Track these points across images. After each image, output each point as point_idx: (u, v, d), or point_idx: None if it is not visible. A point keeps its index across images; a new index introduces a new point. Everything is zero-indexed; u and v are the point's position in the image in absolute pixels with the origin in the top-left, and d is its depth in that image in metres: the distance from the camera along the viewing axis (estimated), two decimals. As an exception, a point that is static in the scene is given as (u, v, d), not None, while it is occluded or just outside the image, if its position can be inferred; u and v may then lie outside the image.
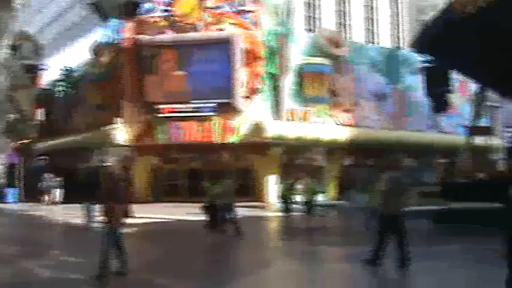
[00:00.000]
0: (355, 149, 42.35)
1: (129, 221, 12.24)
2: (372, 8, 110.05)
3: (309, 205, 22.60)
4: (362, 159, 43.64)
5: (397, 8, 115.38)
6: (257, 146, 38.55)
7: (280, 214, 25.64)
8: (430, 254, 14.81)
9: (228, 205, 19.16)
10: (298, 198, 23.89)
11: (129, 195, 12.25)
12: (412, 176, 45.63)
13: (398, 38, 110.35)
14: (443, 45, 24.60)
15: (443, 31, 24.37)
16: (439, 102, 26.38)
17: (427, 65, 26.59)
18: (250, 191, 38.13)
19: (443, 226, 20.22)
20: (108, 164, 36.05)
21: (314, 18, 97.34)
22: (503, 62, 25.50)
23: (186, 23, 39.89)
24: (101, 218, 12.03)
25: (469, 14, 23.37)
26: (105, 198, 12.00)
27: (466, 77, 30.83)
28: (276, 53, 39.90)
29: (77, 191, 26.59)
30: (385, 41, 54.82)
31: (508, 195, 8.43)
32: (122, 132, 39.37)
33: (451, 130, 49.47)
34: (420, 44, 26.21)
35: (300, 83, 41.12)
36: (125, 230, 12.32)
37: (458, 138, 47.49)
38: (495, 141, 36.19)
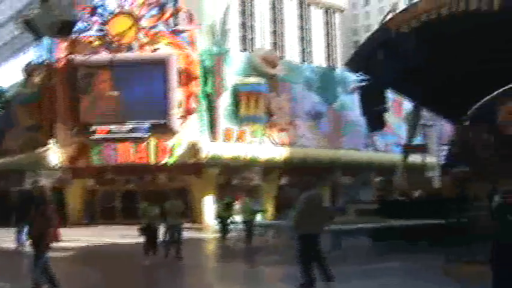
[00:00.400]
0: (292, 168, 42.35)
1: (60, 244, 11.88)
2: (306, 29, 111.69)
3: (248, 225, 22.48)
4: (298, 178, 43.72)
5: (331, 28, 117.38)
6: (193, 166, 38.25)
7: (217, 235, 25.40)
8: (367, 272, 14.76)
9: (174, 226, 18.90)
10: (237, 218, 23.77)
11: (58, 218, 11.87)
12: (349, 194, 46.23)
13: (332, 57, 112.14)
14: (378, 64, 24.90)
15: (378, 50, 24.72)
16: (375, 121, 26.69)
17: (362, 84, 26.83)
18: (187, 212, 37.77)
19: (382, 244, 20.29)
20: (41, 186, 35.18)
21: (249, 38, 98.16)
22: (436, 80, 25.98)
23: (121, 43, 39.47)
24: (29, 241, 11.70)
25: (403, 33, 23.78)
26: (33, 221, 11.69)
27: (400, 96, 31.21)
28: (211, 73, 39.77)
29: (9, 214, 25.97)
30: (319, 60, 55.21)
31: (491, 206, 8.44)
32: (55, 154, 38.53)
33: (386, 148, 50.13)
34: (355, 63, 26.57)
35: (236, 103, 41.00)
36: (56, 254, 11.93)
37: (394, 156, 48.28)
38: (430, 159, 36.73)
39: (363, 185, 46.03)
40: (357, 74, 27.54)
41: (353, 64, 26.98)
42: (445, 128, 44.45)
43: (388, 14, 25.64)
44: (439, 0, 23.36)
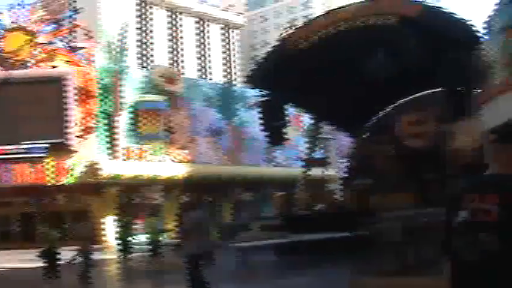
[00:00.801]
0: (193, 185, 42.03)
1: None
2: (205, 45, 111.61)
3: (154, 245, 22.02)
4: (201, 195, 43.41)
5: (229, 45, 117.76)
6: (93, 186, 37.32)
7: (120, 256, 24.75)
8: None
9: (83, 250, 18.25)
10: (142, 238, 23.28)
11: None
12: (251, 209, 46.26)
13: (230, 74, 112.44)
14: (278, 79, 25.02)
15: (277, 66, 24.85)
16: (275, 136, 26.73)
17: (262, 99, 26.85)
18: (88, 233, 36.88)
19: (287, 258, 20.24)
20: None
21: (147, 55, 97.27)
22: (335, 95, 26.30)
23: (16, 60, 38.29)
24: None
25: (302, 49, 24.00)
26: None
27: (300, 111, 31.48)
28: (110, 91, 39.10)
29: None
30: (218, 77, 55.14)
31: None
32: None
33: (287, 163, 50.45)
34: (255, 79, 26.60)
35: (135, 121, 40.48)
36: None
37: (295, 170, 48.68)
38: (330, 172, 37.13)
39: (265, 200, 46.25)
40: (257, 90, 27.53)
41: (252, 80, 27.04)
42: (345, 141, 45.28)
43: (287, 29, 25.76)
44: (337, 15, 23.79)
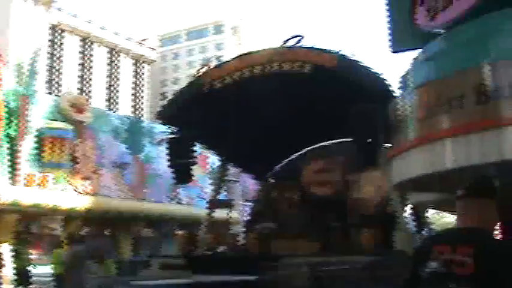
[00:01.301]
0: (94, 218, 41.12)
1: None
2: (114, 76, 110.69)
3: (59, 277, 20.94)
4: (101, 228, 42.57)
5: (139, 78, 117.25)
6: (-11, 212, 35.93)
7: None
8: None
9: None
10: (49, 269, 22.20)
11: None
12: (152, 247, 45.56)
13: (138, 107, 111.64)
14: (188, 117, 24.90)
15: (189, 104, 24.75)
16: (182, 173, 26.45)
17: (171, 136, 26.64)
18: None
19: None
20: None
21: (57, 82, 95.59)
22: (243, 138, 26.38)
23: None
24: None
25: (215, 89, 23.99)
26: None
27: (208, 150, 31.40)
28: (16, 115, 37.98)
29: None
30: (125, 110, 54.61)
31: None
32: None
33: (189, 202, 50.25)
34: (165, 114, 26.38)
35: (40, 147, 39.37)
36: None
37: (198, 210, 48.45)
38: (234, 215, 37.06)
39: (166, 237, 45.69)
40: (166, 126, 27.29)
41: (162, 115, 26.76)
42: (248, 184, 45.45)
43: (201, 67, 25.71)
44: (252, 58, 23.92)
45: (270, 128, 26.12)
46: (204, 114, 24.62)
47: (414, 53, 16.89)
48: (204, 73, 25.09)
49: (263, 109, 24.77)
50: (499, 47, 12.39)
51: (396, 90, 19.80)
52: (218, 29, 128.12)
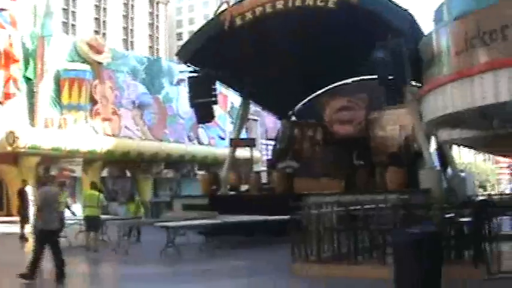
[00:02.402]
0: (115, 159, 41.00)
1: None
2: (130, 18, 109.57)
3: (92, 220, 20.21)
4: (122, 170, 42.49)
5: (154, 19, 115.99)
6: (10, 156, 35.85)
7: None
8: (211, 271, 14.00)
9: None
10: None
11: None
12: (175, 187, 45.56)
13: (155, 49, 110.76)
14: (209, 56, 24.44)
15: (209, 42, 24.22)
16: (204, 112, 26.10)
17: (192, 75, 26.20)
18: (2, 205, 35.62)
19: (216, 239, 19.61)
20: None
21: (71, 24, 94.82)
22: (265, 76, 25.92)
23: None
24: None
25: (235, 26, 23.41)
26: None
27: (229, 89, 30.97)
28: (33, 57, 37.56)
29: None
30: (141, 51, 53.75)
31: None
32: None
33: (210, 141, 50.04)
34: (186, 53, 25.89)
35: (58, 89, 39.01)
36: None
37: (218, 149, 48.30)
38: (256, 153, 36.74)
39: (185, 178, 45.68)
40: (187, 65, 26.83)
41: (183, 54, 26.26)
42: (268, 123, 45.12)
43: (221, 4, 25.09)
44: (274, -6, 23.24)
45: (292, 65, 25.61)
46: (225, 53, 24.13)
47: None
48: (224, 10, 24.44)
49: (285, 46, 24.27)
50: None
51: (429, 25, 19.07)
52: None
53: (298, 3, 22.47)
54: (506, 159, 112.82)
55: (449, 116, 13.72)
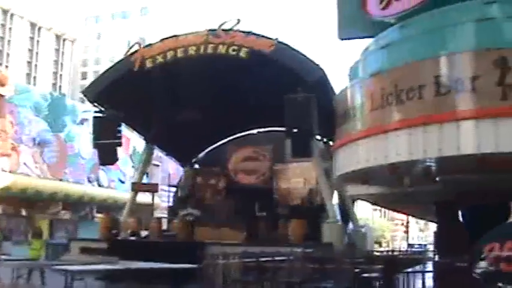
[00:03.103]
0: (12, 196, 39.40)
1: None
2: (35, 52, 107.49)
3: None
4: (18, 208, 40.86)
5: (60, 56, 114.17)
6: None
7: None
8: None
9: None
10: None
11: None
12: (69, 230, 44.15)
13: (58, 86, 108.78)
14: (116, 96, 24.00)
15: (117, 82, 23.84)
16: (107, 153, 25.42)
17: (97, 115, 25.59)
18: None
19: (115, 286, 18.85)
20: None
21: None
22: (172, 121, 25.65)
23: None
24: None
25: (145, 69, 23.13)
26: None
27: (133, 131, 30.45)
28: None
29: None
30: (45, 88, 52.12)
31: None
32: None
33: (110, 184, 49.10)
34: (92, 92, 25.32)
35: (-45, 121, 37.40)
36: None
37: (117, 192, 47.39)
38: (156, 199, 36.03)
39: (83, 220, 44.45)
40: (93, 104, 26.22)
41: (90, 93, 25.62)
42: (170, 169, 44.62)
43: (133, 46, 24.72)
44: (187, 40, 23.12)
45: (199, 111, 25.42)
46: (133, 94, 23.74)
47: (362, 42, 16.54)
48: (136, 51, 24.10)
49: (194, 92, 24.05)
50: (457, 39, 12.12)
51: (344, 81, 19.29)
52: (143, 12, 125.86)
53: (210, 50, 22.44)
54: (402, 216, 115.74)
55: (361, 171, 13.79)
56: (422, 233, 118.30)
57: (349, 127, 14.83)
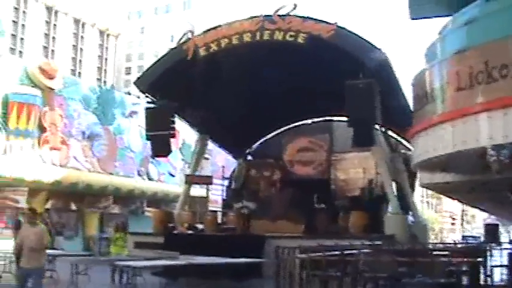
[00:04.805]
0: (61, 191, 39.06)
1: None
2: (79, 48, 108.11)
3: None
4: (68, 202, 40.48)
5: (104, 51, 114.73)
6: None
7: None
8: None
9: None
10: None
11: None
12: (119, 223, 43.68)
13: (103, 81, 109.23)
14: (169, 86, 23.41)
15: (170, 72, 23.27)
16: (160, 145, 24.83)
17: (150, 105, 25.04)
18: None
19: (175, 282, 18.18)
20: None
21: (18, 51, 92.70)
22: (225, 111, 24.96)
23: None
24: None
25: (199, 57, 22.48)
26: None
27: (186, 123, 29.87)
28: (-22, 76, 35.71)
29: None
30: (90, 82, 51.36)
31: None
32: None
33: (160, 178, 48.74)
34: (144, 82, 24.78)
35: (6, 113, 36.98)
36: None
37: (169, 186, 46.99)
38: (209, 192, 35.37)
39: (133, 214, 44.05)
40: (145, 95, 25.69)
41: (142, 84, 25.06)
42: (218, 162, 44.07)
43: (185, 34, 24.05)
44: (242, 26, 22.42)
45: (253, 101, 24.71)
46: (185, 84, 23.05)
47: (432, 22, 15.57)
48: (188, 40, 23.46)
49: (248, 81, 23.39)
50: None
51: (421, 63, 18.28)
52: (186, 5, 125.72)
53: (266, 36, 21.74)
54: (450, 208, 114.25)
55: (445, 157, 12.84)
56: (469, 225, 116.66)
57: (430, 111, 13.77)
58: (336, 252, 11.29)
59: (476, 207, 36.78)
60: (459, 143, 11.90)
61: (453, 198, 29.51)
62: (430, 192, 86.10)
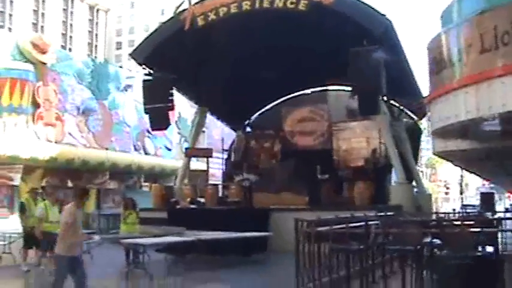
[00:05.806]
0: (57, 168, 38.43)
1: None
2: (69, 24, 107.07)
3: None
4: (64, 179, 39.80)
5: (94, 26, 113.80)
6: None
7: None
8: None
9: None
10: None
11: None
12: (116, 200, 43.12)
13: (93, 56, 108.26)
14: (165, 58, 22.85)
15: (168, 43, 22.71)
16: (159, 118, 24.30)
17: (148, 78, 24.49)
18: None
19: (182, 259, 17.67)
20: None
21: (7, 28, 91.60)
22: (222, 82, 24.42)
23: None
24: None
25: (195, 28, 21.92)
26: None
27: (184, 95, 29.34)
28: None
29: None
30: (80, 58, 50.26)
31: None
32: None
33: (156, 152, 48.25)
34: (141, 54, 24.19)
35: (-3, 89, 36.20)
36: None
37: (166, 160, 46.55)
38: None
39: (130, 189, 43.51)
40: (142, 67, 25.13)
41: (138, 56, 24.45)
42: (215, 134, 43.63)
43: (181, 3, 23.44)
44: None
45: (252, 71, 24.06)
46: (183, 55, 22.51)
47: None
48: (184, 9, 22.86)
49: (247, 51, 22.90)
50: None
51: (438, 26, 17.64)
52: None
53: (266, 4, 21.15)
54: (444, 177, 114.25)
55: (466, 123, 12.29)
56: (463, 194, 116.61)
57: (449, 75, 13.13)
58: (358, 224, 10.76)
59: (482, 177, 36.49)
60: (484, 108, 11.33)
61: (463, 168, 29.12)
62: (423, 161, 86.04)
